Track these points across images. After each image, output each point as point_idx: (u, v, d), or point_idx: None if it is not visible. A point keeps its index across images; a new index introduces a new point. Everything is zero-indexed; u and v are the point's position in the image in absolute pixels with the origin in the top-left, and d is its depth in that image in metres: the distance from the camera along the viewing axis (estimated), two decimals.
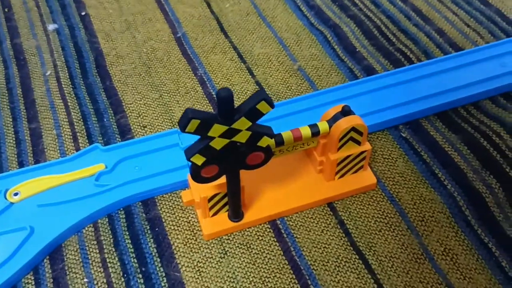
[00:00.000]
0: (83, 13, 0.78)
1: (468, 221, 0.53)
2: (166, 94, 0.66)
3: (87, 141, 0.61)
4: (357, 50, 0.71)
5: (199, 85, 0.67)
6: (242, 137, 0.43)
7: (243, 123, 0.42)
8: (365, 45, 0.72)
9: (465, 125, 0.61)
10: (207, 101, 0.65)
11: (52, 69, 0.70)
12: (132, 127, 0.62)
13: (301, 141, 0.52)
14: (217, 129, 0.41)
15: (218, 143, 0.43)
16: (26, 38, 0.75)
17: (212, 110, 0.64)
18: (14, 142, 0.61)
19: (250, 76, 0.68)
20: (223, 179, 0.48)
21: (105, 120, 0.63)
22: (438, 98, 0.63)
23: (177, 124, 0.63)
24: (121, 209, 0.55)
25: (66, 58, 0.71)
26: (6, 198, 0.54)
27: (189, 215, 0.54)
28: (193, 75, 0.69)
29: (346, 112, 0.51)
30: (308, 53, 0.71)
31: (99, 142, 0.61)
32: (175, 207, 0.55)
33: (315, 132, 0.51)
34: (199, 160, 0.44)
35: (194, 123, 0.40)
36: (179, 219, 0.54)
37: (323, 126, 0.51)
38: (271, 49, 0.72)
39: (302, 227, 0.53)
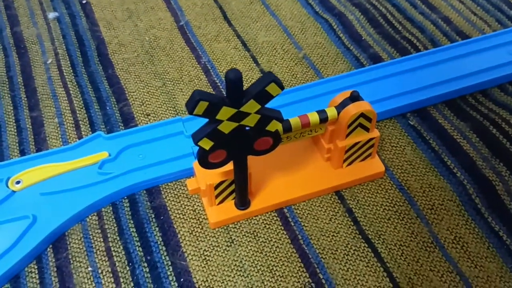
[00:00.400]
0: (84, 1, 0.77)
1: (478, 209, 0.52)
2: (169, 83, 0.65)
3: (89, 129, 0.60)
4: (362, 38, 0.70)
5: (203, 74, 0.66)
6: (251, 121, 0.42)
7: (252, 106, 0.41)
8: (370, 33, 0.71)
9: (473, 113, 0.60)
10: (211, 90, 0.64)
11: (53, 57, 0.69)
12: (135, 115, 0.61)
13: (309, 128, 0.51)
14: (225, 112, 0.40)
15: (226, 127, 0.42)
16: (27, 26, 0.73)
17: None
18: (15, 131, 0.60)
19: (254, 64, 0.67)
20: (229, 166, 0.47)
21: (107, 108, 0.62)
22: (446, 85, 0.62)
23: (181, 112, 0.62)
24: (125, 197, 0.54)
25: (67, 47, 0.70)
26: (8, 187, 0.53)
27: (195, 204, 0.53)
28: (196, 63, 0.68)
29: (354, 97, 0.50)
30: (313, 41, 0.70)
31: (102, 130, 0.60)
32: (180, 195, 0.54)
33: (323, 118, 0.50)
34: (207, 144, 0.43)
35: (202, 105, 0.39)
36: (185, 207, 0.53)
37: (331, 112, 0.50)
38: (275, 37, 0.71)
39: (310, 215, 0.52)
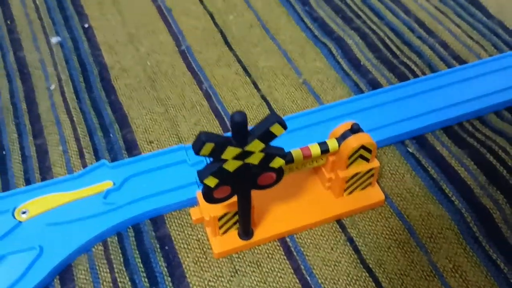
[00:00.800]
0: (86, 25, 0.78)
1: (476, 238, 0.53)
2: (171, 109, 0.66)
3: (93, 157, 0.61)
4: (361, 63, 0.71)
5: (204, 100, 0.67)
6: (255, 159, 0.43)
7: (256, 145, 0.42)
8: (369, 58, 0.72)
9: (471, 140, 0.61)
10: (213, 116, 0.65)
11: (56, 83, 0.70)
12: (138, 143, 0.62)
13: (311, 159, 0.52)
14: (230, 152, 0.42)
15: (231, 165, 0.43)
16: (29, 51, 0.74)
17: (219, 125, 0.64)
18: (20, 159, 0.61)
19: (255, 90, 0.68)
20: (232, 198, 0.48)
21: (111, 135, 0.63)
22: (443, 112, 0.63)
23: (183, 139, 0.63)
24: (130, 227, 0.55)
25: (70, 72, 0.71)
26: (14, 217, 0.54)
27: (199, 233, 0.54)
28: (198, 89, 0.69)
29: (355, 130, 0.52)
30: (312, 66, 0.71)
31: (106, 158, 0.61)
32: (184, 224, 0.55)
33: (325, 150, 0.51)
34: (212, 182, 0.44)
35: (208, 147, 0.40)
36: (189, 237, 0.54)
37: (332, 144, 0.52)
38: (275, 62, 0.72)
39: (312, 244, 0.53)
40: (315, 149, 0.51)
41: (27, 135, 0.64)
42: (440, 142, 0.61)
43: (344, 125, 0.53)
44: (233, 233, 0.53)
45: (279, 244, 0.54)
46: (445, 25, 0.76)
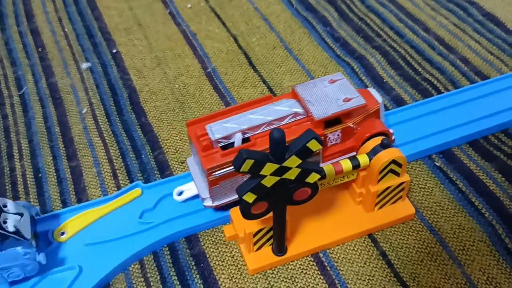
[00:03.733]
0: (114, 51, 0.80)
1: (508, 249, 0.54)
2: None
3: (127, 178, 0.63)
4: (384, 80, 0.72)
5: None
6: (292, 174, 0.45)
7: (293, 161, 0.43)
8: (392, 75, 0.73)
9: (497, 153, 0.62)
10: None
11: (88, 107, 0.72)
12: (170, 163, 0.64)
13: (342, 174, 0.53)
14: (269, 168, 0.43)
15: (269, 181, 0.44)
16: (61, 77, 0.77)
17: None
18: (55, 181, 0.63)
19: None
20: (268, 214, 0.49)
21: (143, 156, 0.65)
22: (468, 127, 0.64)
23: None
24: (165, 245, 0.56)
25: (100, 96, 0.73)
26: (54, 239, 0.55)
27: (233, 250, 0.55)
28: None
29: (385, 145, 0.53)
30: None
31: (139, 179, 0.62)
32: (218, 242, 0.56)
33: (356, 165, 0.53)
34: (250, 198, 0.45)
35: (248, 163, 0.42)
36: (223, 254, 0.55)
37: (363, 159, 0.53)
38: (300, 81, 0.73)
39: (345, 259, 0.54)
40: (346, 165, 0.52)
41: (61, 157, 0.66)
42: (467, 156, 0.62)
43: (374, 140, 0.54)
44: (267, 249, 0.54)
45: (312, 259, 0.54)
46: (464, 42, 0.77)
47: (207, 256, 0.55)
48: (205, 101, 0.72)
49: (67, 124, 0.70)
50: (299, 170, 0.44)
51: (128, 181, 0.62)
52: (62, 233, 0.56)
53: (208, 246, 0.56)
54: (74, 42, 0.83)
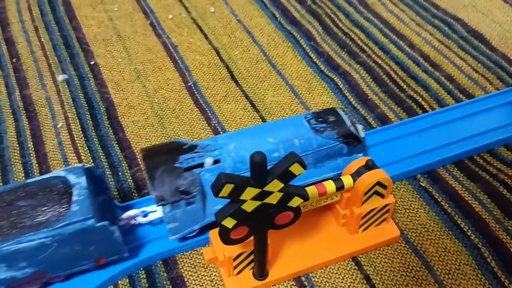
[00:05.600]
0: (92, 63, 0.78)
1: (494, 273, 0.53)
2: None
3: None
4: (369, 97, 0.71)
5: (213, 136, 0.67)
6: (273, 199, 0.43)
7: (275, 185, 0.41)
8: (376, 92, 0.72)
9: (482, 173, 0.61)
10: None
11: (63, 121, 0.69)
12: (148, 182, 0.61)
13: (325, 196, 0.51)
14: (249, 192, 0.41)
15: (249, 206, 0.42)
16: (35, 89, 0.74)
17: None
18: None
19: None
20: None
21: (120, 174, 0.62)
22: (453, 147, 0.63)
23: None
24: (142, 269, 0.53)
25: (77, 110, 0.71)
26: None
27: (212, 273, 0.53)
28: (206, 125, 0.68)
29: (370, 166, 0.51)
30: (320, 101, 0.71)
31: (115, 198, 0.60)
32: (196, 265, 0.54)
33: (340, 187, 0.51)
34: (230, 223, 0.43)
35: (227, 188, 0.40)
36: (202, 277, 0.53)
37: (347, 180, 0.51)
38: (283, 97, 0.72)
39: (328, 283, 0.52)
40: (330, 186, 0.51)
41: (34, 174, 0.63)
42: (452, 176, 0.61)
43: (358, 161, 0.53)
44: (248, 273, 0.52)
45: (294, 283, 0.52)
46: (449, 59, 0.77)
47: (185, 280, 0.53)
48: (185, 116, 0.69)
49: (41, 139, 0.67)
50: (281, 194, 0.42)
51: None
52: None
53: (186, 270, 0.53)
54: (51, 52, 0.80)
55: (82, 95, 0.73)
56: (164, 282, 0.52)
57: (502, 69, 0.75)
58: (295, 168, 0.41)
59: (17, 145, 0.66)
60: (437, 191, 0.60)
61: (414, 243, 0.55)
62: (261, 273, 0.51)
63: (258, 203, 0.42)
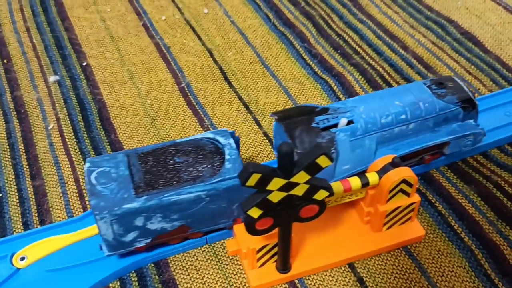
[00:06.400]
0: (84, 64, 0.77)
1: (488, 275, 0.52)
2: None
3: None
4: None
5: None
6: (299, 190, 0.43)
7: (302, 177, 0.42)
8: None
9: (476, 175, 0.61)
10: None
11: (55, 122, 0.68)
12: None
13: (350, 192, 0.51)
14: (276, 183, 0.42)
15: (275, 196, 0.43)
16: (27, 90, 0.73)
17: None
18: (17, 201, 0.59)
19: (257, 127, 0.68)
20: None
21: None
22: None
23: None
24: (133, 271, 0.53)
25: (68, 111, 0.70)
26: (12, 264, 0.52)
27: (204, 276, 0.53)
28: (199, 126, 0.68)
29: (396, 163, 0.51)
30: (313, 103, 0.71)
31: None
32: (188, 267, 0.53)
33: (365, 183, 0.51)
34: (255, 213, 0.43)
35: (254, 177, 0.40)
36: (194, 280, 0.52)
37: (373, 177, 0.51)
38: (276, 98, 0.72)
39: (321, 285, 0.52)
40: (355, 182, 0.51)
41: (25, 176, 0.62)
42: (445, 178, 0.61)
43: (384, 159, 0.52)
44: (271, 266, 0.52)
45: (287, 286, 0.52)
46: (443, 61, 0.76)
47: (177, 282, 0.52)
48: (178, 118, 0.69)
49: (32, 141, 0.66)
50: (307, 186, 0.43)
51: None
52: (22, 259, 0.53)
53: (178, 272, 0.53)
54: (42, 53, 0.79)
55: (74, 96, 0.72)
56: (156, 285, 0.52)
57: (496, 71, 0.75)
58: (322, 160, 0.41)
59: (8, 147, 0.65)
60: (431, 193, 0.59)
61: (408, 245, 0.55)
62: (284, 266, 0.52)
63: (284, 194, 0.43)
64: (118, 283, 0.52)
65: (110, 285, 0.52)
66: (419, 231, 0.55)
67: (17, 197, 0.60)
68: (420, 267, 0.53)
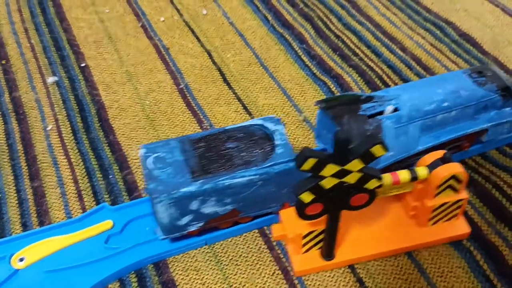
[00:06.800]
0: (82, 65, 0.77)
1: (487, 276, 0.52)
2: None
3: (93, 199, 0.59)
4: None
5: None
6: (352, 178, 0.44)
7: (355, 165, 0.43)
8: None
9: (475, 176, 0.61)
10: None
11: (54, 123, 0.68)
12: (139, 184, 0.61)
13: (398, 185, 0.51)
14: (330, 169, 0.43)
15: (328, 182, 0.44)
16: (25, 91, 0.73)
17: None
18: (16, 202, 0.59)
19: None
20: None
21: (110, 177, 0.62)
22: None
23: None
24: (133, 272, 0.53)
25: (67, 112, 0.70)
26: (11, 265, 0.52)
27: (204, 277, 0.52)
28: (198, 127, 0.68)
29: (446, 159, 0.51)
30: (312, 104, 0.71)
31: (106, 201, 0.59)
32: (188, 268, 0.53)
33: (414, 177, 0.51)
34: (307, 197, 0.44)
35: (310, 162, 0.41)
36: (194, 281, 0.52)
37: (422, 171, 0.51)
38: (275, 100, 0.72)
39: (321, 285, 0.52)
40: (404, 175, 0.51)
41: (23, 177, 0.62)
42: None
43: (435, 154, 0.53)
44: (315, 252, 0.53)
45: (287, 285, 0.52)
46: (442, 62, 0.77)
47: (177, 283, 0.52)
48: (177, 119, 0.69)
49: (31, 142, 0.66)
50: (360, 174, 0.44)
51: (94, 202, 0.59)
52: (21, 259, 0.52)
53: (177, 273, 0.53)
54: (41, 54, 0.79)
55: (73, 97, 0.72)
56: (155, 286, 0.52)
57: None
58: (377, 150, 0.42)
59: (6, 148, 0.65)
60: None
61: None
62: (329, 253, 0.53)
63: (336, 180, 0.44)
64: (118, 284, 0.52)
65: (110, 286, 0.52)
66: (464, 228, 0.55)
67: (16, 198, 0.60)
68: (419, 268, 0.53)
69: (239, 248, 0.55)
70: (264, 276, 0.53)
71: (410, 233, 0.55)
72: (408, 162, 0.58)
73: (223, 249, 0.55)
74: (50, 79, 0.74)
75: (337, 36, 0.82)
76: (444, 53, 0.78)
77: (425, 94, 0.58)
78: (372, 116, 0.56)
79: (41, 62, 0.78)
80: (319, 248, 0.53)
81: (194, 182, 0.49)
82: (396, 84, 0.73)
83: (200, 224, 0.52)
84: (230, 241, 0.55)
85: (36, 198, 0.60)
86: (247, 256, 0.54)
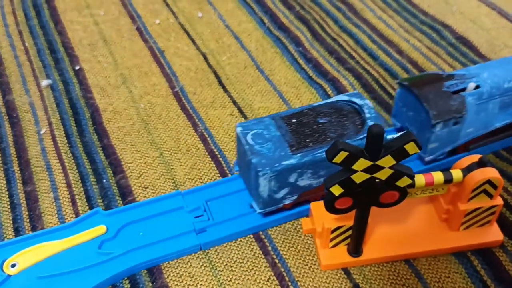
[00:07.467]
0: (77, 67, 0.77)
1: (484, 281, 0.52)
2: (166, 152, 0.64)
3: (86, 204, 0.59)
4: None
5: (200, 142, 0.66)
6: (383, 174, 0.44)
7: (387, 161, 0.42)
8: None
9: None
10: (209, 159, 0.64)
11: (47, 127, 0.68)
12: (133, 188, 0.60)
13: (432, 187, 0.51)
14: (361, 164, 0.42)
15: (359, 177, 0.44)
16: (19, 94, 0.72)
17: (215, 168, 0.63)
18: (9, 207, 0.58)
19: None
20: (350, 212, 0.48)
21: (104, 181, 0.61)
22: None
23: (179, 184, 0.61)
24: (126, 278, 0.52)
25: (61, 115, 0.69)
26: (3, 270, 0.51)
27: (198, 283, 0.52)
28: (193, 131, 0.67)
29: (482, 163, 0.51)
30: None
31: (99, 205, 0.58)
32: (182, 274, 0.53)
33: (448, 180, 0.50)
34: (337, 190, 0.44)
35: (342, 155, 0.41)
36: (187, 287, 0.52)
37: (457, 174, 0.50)
38: (271, 103, 0.71)
39: None
40: (438, 177, 0.50)
41: (16, 181, 0.61)
42: None
43: (471, 157, 0.52)
44: (343, 248, 0.53)
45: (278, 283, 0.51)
46: (438, 65, 0.76)
47: None
48: (171, 122, 0.68)
49: (24, 145, 0.65)
50: (391, 171, 0.43)
51: (87, 207, 0.58)
52: (13, 265, 0.52)
53: (171, 279, 0.52)
54: (35, 57, 0.79)
55: (67, 100, 0.72)
56: None
57: None
58: (410, 147, 0.41)
59: None
60: None
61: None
62: (356, 249, 0.52)
63: (367, 176, 0.43)
64: None
65: None
66: (497, 236, 0.54)
67: (8, 203, 0.59)
68: (416, 273, 0.53)
69: (234, 253, 0.54)
70: (260, 282, 0.52)
71: (441, 236, 0.54)
72: (483, 142, 0.61)
73: (217, 254, 0.54)
74: (44, 82, 0.74)
75: (333, 39, 0.82)
76: (441, 56, 0.78)
77: (505, 72, 0.59)
78: (455, 92, 0.57)
79: (35, 65, 0.77)
80: (346, 244, 0.53)
81: (295, 155, 0.51)
82: (393, 88, 0.73)
83: (294, 197, 0.54)
84: (225, 246, 0.55)
85: (29, 202, 0.59)
86: (242, 262, 0.54)
